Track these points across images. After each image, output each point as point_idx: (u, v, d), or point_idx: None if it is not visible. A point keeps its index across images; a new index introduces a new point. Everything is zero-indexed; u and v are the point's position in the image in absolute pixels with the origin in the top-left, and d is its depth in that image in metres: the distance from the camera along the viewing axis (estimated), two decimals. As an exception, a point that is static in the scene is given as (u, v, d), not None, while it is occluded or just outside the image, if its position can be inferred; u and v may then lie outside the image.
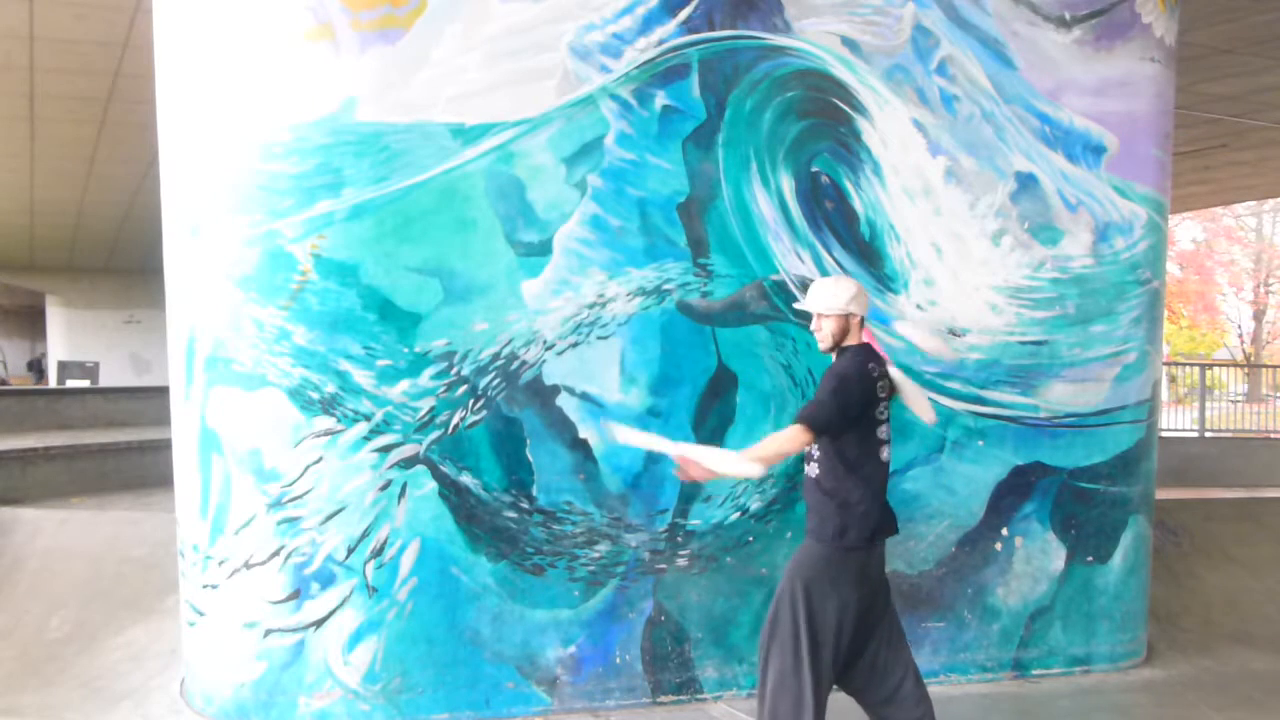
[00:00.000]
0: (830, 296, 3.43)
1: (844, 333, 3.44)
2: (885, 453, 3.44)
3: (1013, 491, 4.84)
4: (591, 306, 4.25)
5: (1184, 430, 13.24)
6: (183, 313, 4.25)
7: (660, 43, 4.29)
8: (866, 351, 3.42)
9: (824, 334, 3.45)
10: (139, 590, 5.39)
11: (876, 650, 3.48)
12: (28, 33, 7.05)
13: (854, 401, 3.30)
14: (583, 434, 4.26)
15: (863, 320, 3.47)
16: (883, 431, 3.42)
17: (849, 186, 4.58)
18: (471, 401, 4.13)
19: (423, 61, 4.03)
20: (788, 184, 4.50)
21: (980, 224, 4.75)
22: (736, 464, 3.34)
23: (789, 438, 3.30)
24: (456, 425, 4.12)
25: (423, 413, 4.08)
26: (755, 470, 3.35)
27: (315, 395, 4.00)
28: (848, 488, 3.34)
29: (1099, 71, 4.92)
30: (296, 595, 4.03)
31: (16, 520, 6.06)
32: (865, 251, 4.61)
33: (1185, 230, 27.15)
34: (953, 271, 4.71)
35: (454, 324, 4.10)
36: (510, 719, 4.21)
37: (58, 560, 5.66)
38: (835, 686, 3.50)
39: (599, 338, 4.27)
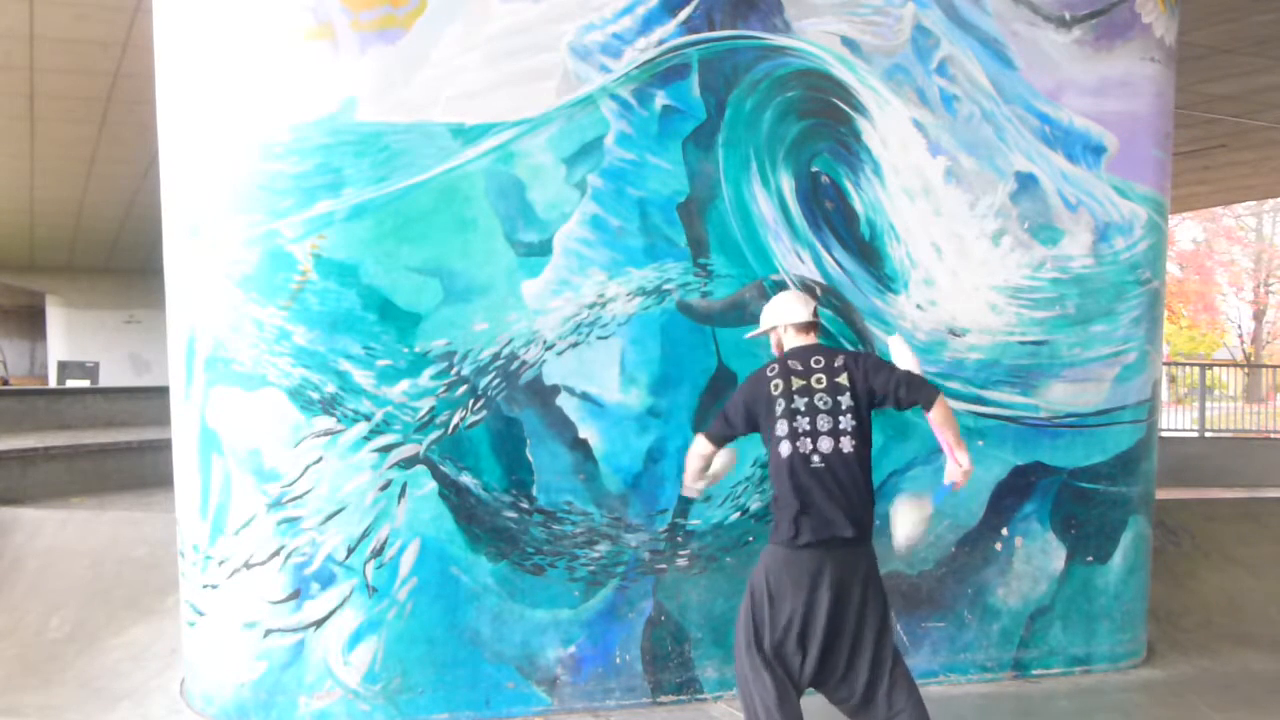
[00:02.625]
0: (761, 319, 3.73)
1: (779, 345, 3.64)
2: (794, 446, 3.35)
3: (1013, 491, 4.84)
4: (591, 306, 4.25)
5: (1184, 430, 13.23)
6: (183, 313, 4.25)
7: (660, 43, 4.29)
8: (788, 355, 3.55)
9: (774, 349, 3.70)
10: (139, 590, 5.38)
11: (854, 662, 3.37)
12: (28, 33, 7.05)
13: (737, 409, 3.51)
14: (583, 434, 4.26)
15: (808, 326, 3.60)
16: (781, 427, 3.37)
17: (849, 186, 4.59)
18: (471, 401, 4.13)
19: (423, 61, 4.03)
20: (788, 184, 4.50)
21: (980, 224, 4.75)
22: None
23: (691, 450, 3.66)
24: (456, 425, 4.12)
25: (423, 413, 4.08)
26: (693, 493, 3.88)
27: (315, 395, 4.00)
28: (777, 485, 3.41)
29: (1099, 71, 4.92)
30: (296, 595, 4.03)
31: (16, 520, 6.05)
32: (865, 251, 4.61)
33: (1185, 230, 27.15)
34: (953, 271, 4.71)
35: (454, 324, 4.10)
36: (510, 719, 4.21)
37: (58, 560, 5.66)
38: (829, 700, 3.48)
39: (599, 338, 4.27)
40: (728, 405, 3.58)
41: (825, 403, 3.37)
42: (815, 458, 3.34)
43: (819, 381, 3.40)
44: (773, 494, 3.46)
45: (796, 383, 3.41)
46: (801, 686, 3.38)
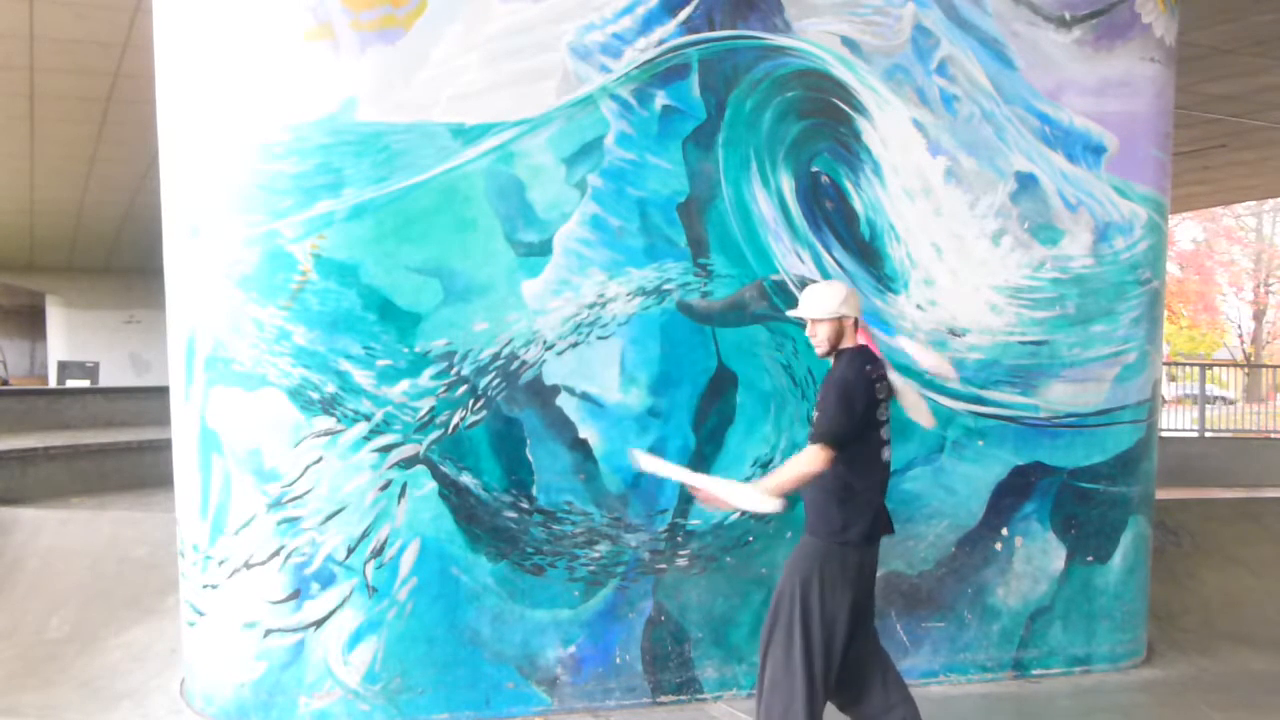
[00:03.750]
0: (822, 301, 3.46)
1: (839, 336, 3.46)
2: (886, 453, 3.46)
3: (1013, 491, 4.84)
4: (591, 306, 4.25)
5: (1184, 430, 13.24)
6: (183, 313, 4.25)
7: (660, 43, 4.29)
8: (864, 354, 3.44)
9: (819, 339, 3.47)
10: (139, 590, 5.39)
11: (858, 655, 3.45)
12: (28, 33, 7.05)
13: (859, 408, 3.31)
14: (583, 434, 4.26)
15: (857, 322, 3.48)
16: (884, 432, 3.44)
17: (849, 186, 4.59)
18: (471, 401, 4.13)
19: (423, 61, 4.03)
20: (788, 184, 4.50)
21: (980, 224, 4.75)
22: (756, 501, 3.29)
23: (810, 460, 3.28)
24: (456, 425, 4.12)
25: (423, 413, 4.08)
26: (776, 505, 3.25)
27: (315, 395, 4.00)
28: (850, 485, 3.35)
29: (1099, 71, 4.92)
30: (296, 595, 4.03)
31: (16, 520, 6.05)
32: (865, 251, 4.61)
33: (1185, 230, 27.17)
34: (953, 271, 4.71)
35: (454, 324, 4.10)
36: (510, 719, 4.22)
37: (58, 560, 5.66)
38: (835, 699, 3.50)
39: (599, 338, 4.27)
40: (842, 411, 3.28)
41: (886, 412, 3.49)
42: (889, 464, 3.51)
43: (882, 390, 3.46)
44: (838, 491, 3.35)
45: (882, 390, 3.45)
46: (829, 684, 3.39)
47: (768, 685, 3.38)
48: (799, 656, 3.32)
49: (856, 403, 3.30)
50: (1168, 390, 15.34)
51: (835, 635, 3.35)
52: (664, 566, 4.38)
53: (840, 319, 3.44)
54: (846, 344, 3.46)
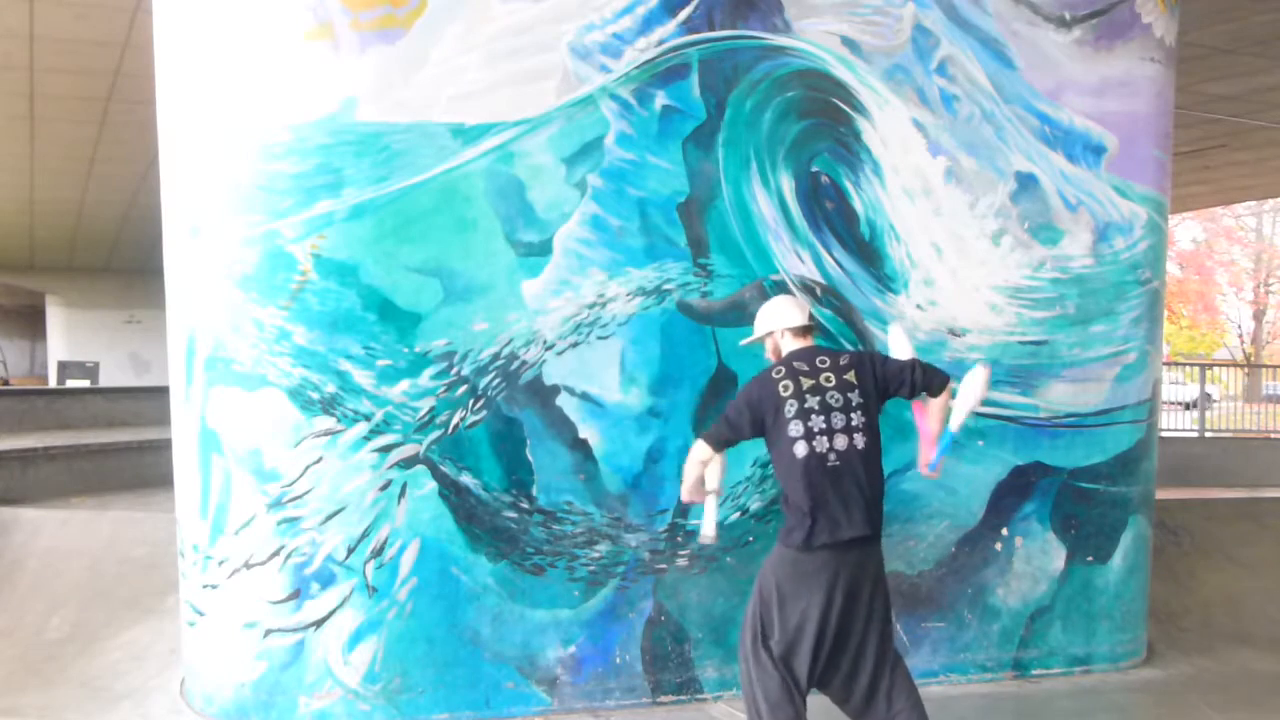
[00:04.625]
0: (754, 324, 3.68)
1: (775, 349, 3.61)
2: (800, 449, 3.33)
3: (1013, 491, 4.84)
4: (591, 306, 4.25)
5: (1184, 430, 13.24)
6: (183, 313, 4.25)
7: (660, 43, 4.29)
8: (791, 357, 3.51)
9: (770, 354, 3.65)
10: (139, 590, 5.39)
11: (862, 659, 3.39)
12: (28, 33, 7.05)
13: (742, 412, 3.44)
14: (583, 434, 4.26)
15: (805, 329, 3.57)
16: (793, 428, 3.34)
17: (849, 186, 4.59)
18: (471, 401, 4.13)
19: (423, 61, 4.03)
20: (788, 184, 4.50)
21: (980, 224, 4.75)
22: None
23: (690, 457, 3.52)
24: (456, 425, 4.12)
25: (423, 413, 4.08)
26: (696, 500, 3.61)
27: (315, 395, 4.00)
28: (787, 488, 3.39)
29: (1099, 71, 4.92)
30: (296, 595, 4.03)
31: (16, 520, 6.05)
32: (865, 251, 4.61)
33: (1185, 230, 27.17)
34: (953, 271, 4.71)
35: (454, 324, 4.10)
36: (510, 719, 4.21)
37: (58, 560, 5.66)
38: (830, 699, 3.50)
39: (599, 338, 4.28)
40: (730, 410, 3.48)
41: (837, 400, 3.37)
42: (831, 456, 3.33)
43: (828, 380, 3.39)
44: (782, 496, 3.43)
45: (806, 382, 3.38)
46: (806, 688, 3.38)
47: (743, 687, 3.43)
48: (751, 658, 3.37)
49: (738, 409, 3.46)
50: (1183, 393, 15.28)
51: (797, 642, 3.32)
52: (664, 566, 4.38)
53: (768, 335, 3.62)
54: (784, 352, 3.56)
